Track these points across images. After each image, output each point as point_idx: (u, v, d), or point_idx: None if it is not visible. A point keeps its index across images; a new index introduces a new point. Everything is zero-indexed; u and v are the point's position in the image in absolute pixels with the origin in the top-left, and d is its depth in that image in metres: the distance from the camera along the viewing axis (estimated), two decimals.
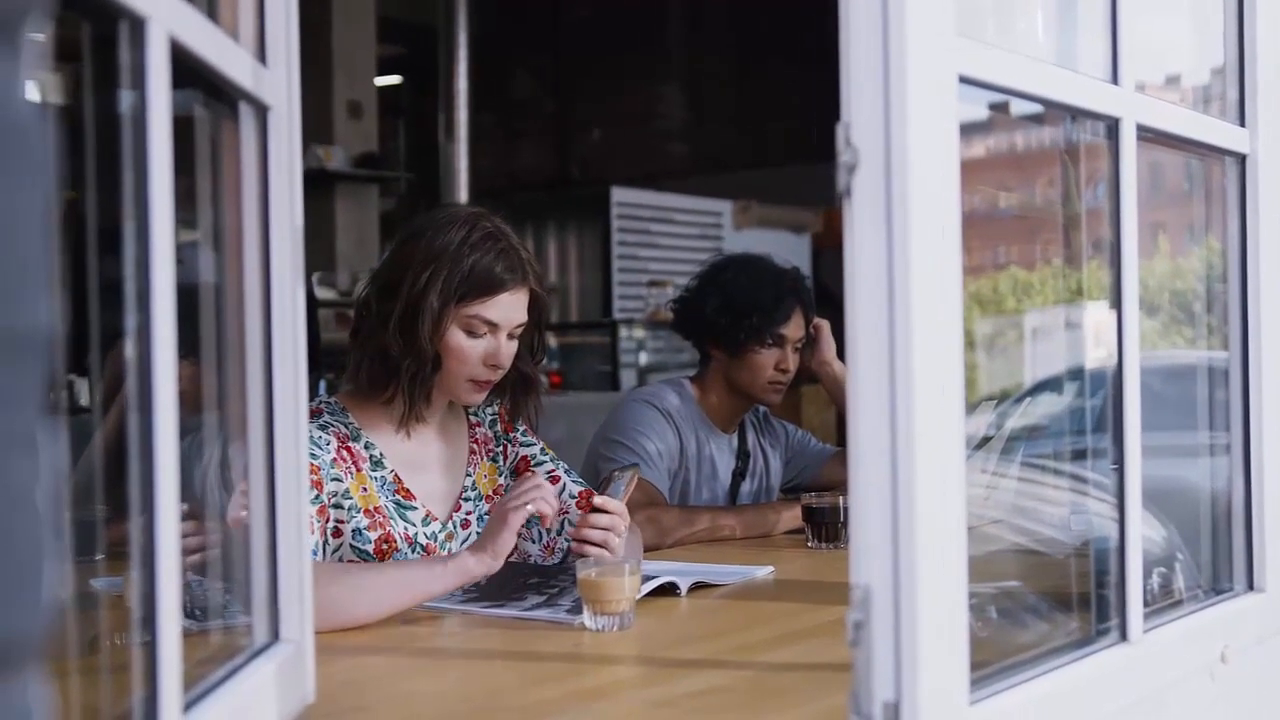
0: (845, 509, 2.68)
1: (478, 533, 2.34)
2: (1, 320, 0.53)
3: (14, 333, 0.53)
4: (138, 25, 1.01)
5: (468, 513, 2.37)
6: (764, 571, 2.39)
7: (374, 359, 2.25)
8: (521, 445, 2.47)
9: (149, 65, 1.02)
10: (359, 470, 2.23)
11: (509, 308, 2.26)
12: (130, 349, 1.03)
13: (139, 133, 1.02)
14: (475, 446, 2.42)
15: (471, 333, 2.24)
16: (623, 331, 7.60)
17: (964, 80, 1.27)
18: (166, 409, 1.03)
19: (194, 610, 1.37)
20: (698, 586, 2.22)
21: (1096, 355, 2.01)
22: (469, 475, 2.39)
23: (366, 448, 2.26)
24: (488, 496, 2.40)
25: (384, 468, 2.27)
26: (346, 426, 2.25)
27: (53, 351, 0.57)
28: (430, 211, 2.36)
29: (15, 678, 0.55)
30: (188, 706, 1.11)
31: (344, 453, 2.21)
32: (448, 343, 2.23)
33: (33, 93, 0.57)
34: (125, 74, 1.03)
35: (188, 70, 1.13)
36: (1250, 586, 1.84)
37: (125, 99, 1.03)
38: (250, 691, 1.27)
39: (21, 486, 0.55)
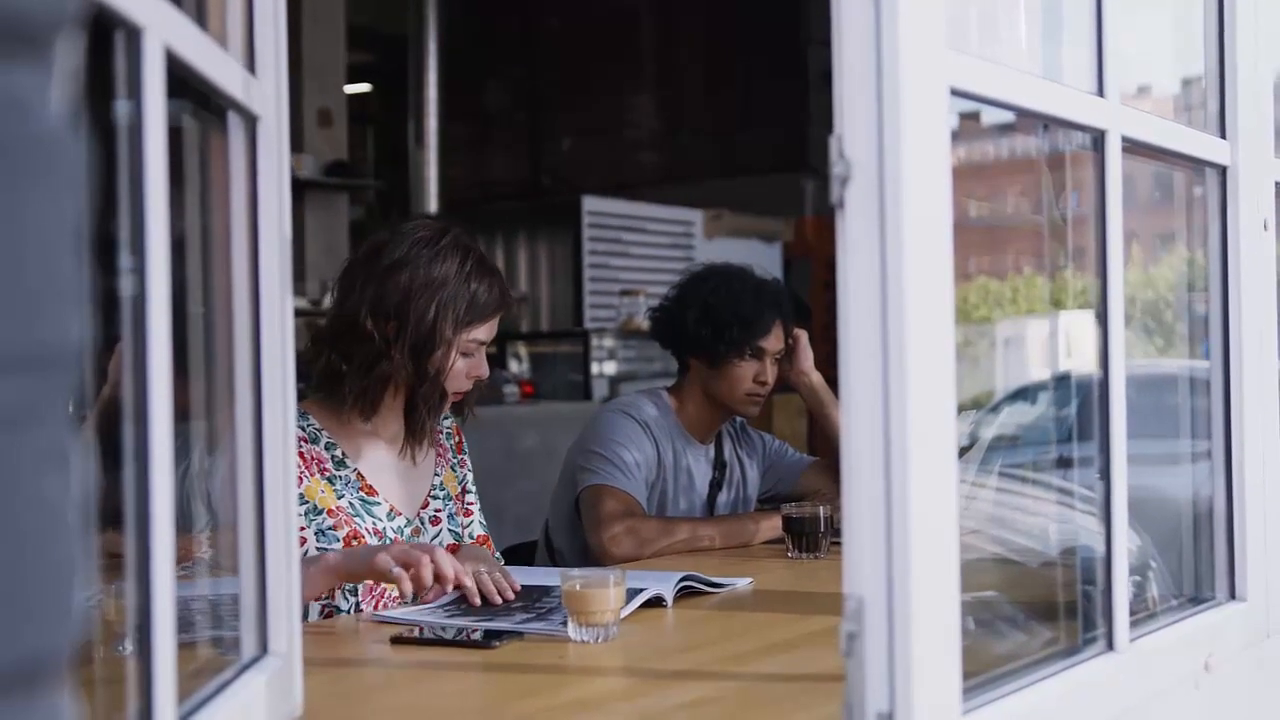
0: (825, 519, 2.69)
1: (449, 529, 2.45)
2: (34, 335, 0.52)
3: (46, 348, 0.53)
4: (134, 35, 1.00)
5: (436, 510, 2.45)
6: (744, 583, 2.39)
7: (379, 384, 2.29)
8: (467, 469, 2.56)
9: (145, 75, 1.01)
10: (313, 474, 2.28)
11: (495, 326, 2.38)
12: (125, 359, 1.02)
13: (135, 142, 1.02)
14: (440, 450, 2.50)
15: (466, 354, 2.34)
16: (594, 341, 7.58)
17: (955, 92, 1.27)
18: (161, 419, 1.03)
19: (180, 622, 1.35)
20: (684, 593, 2.22)
21: (1071, 365, 2.02)
22: (437, 475, 2.47)
23: (327, 449, 2.32)
24: (456, 497, 2.49)
25: (347, 467, 2.32)
26: (304, 429, 2.27)
27: (79, 366, 0.57)
28: (403, 230, 2.37)
29: (50, 692, 0.54)
30: None
31: (297, 457, 2.23)
32: (450, 369, 2.32)
33: (64, 105, 0.56)
34: (120, 83, 1.02)
35: (179, 80, 1.12)
36: (1232, 595, 1.85)
37: (120, 108, 1.03)
38: (240, 705, 1.26)
39: (54, 502, 0.54)
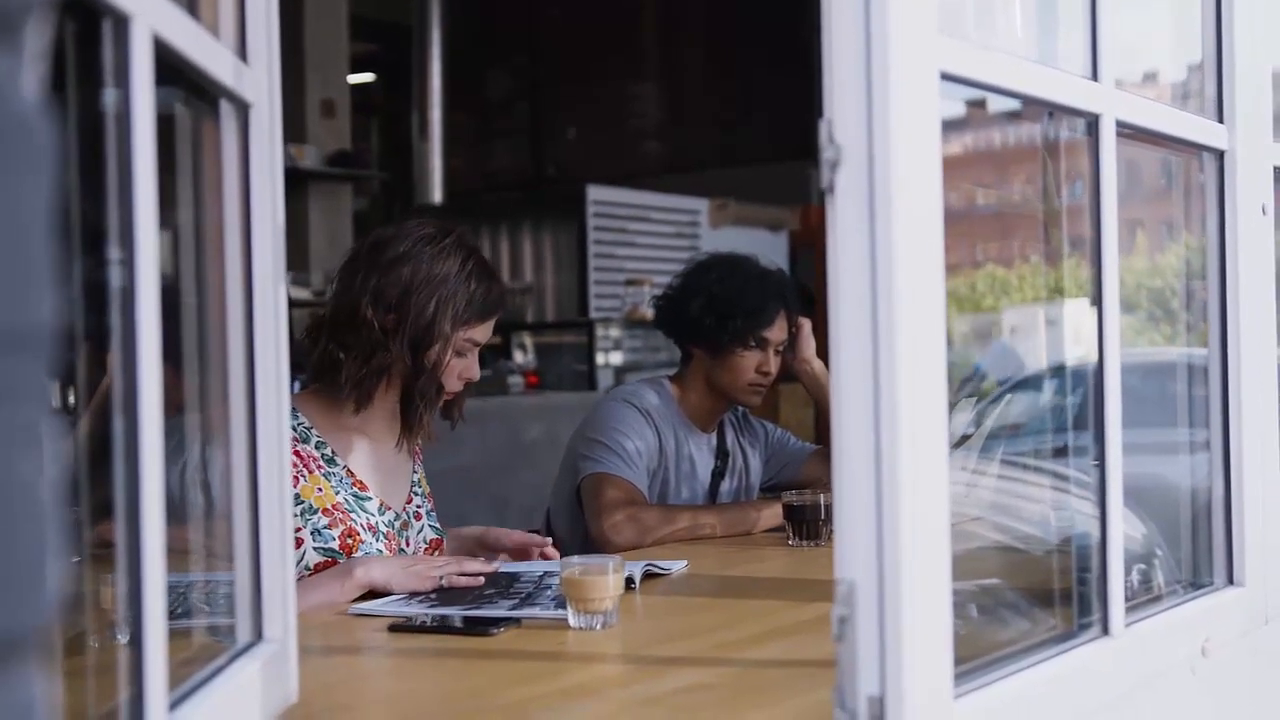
0: (826, 506, 2.69)
1: (430, 525, 2.49)
2: (6, 316, 0.53)
3: (19, 328, 0.53)
4: (121, 23, 1.00)
5: (417, 506, 2.49)
6: (680, 565, 2.42)
7: (375, 375, 2.31)
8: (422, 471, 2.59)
9: (133, 63, 1.01)
10: (311, 472, 2.29)
11: (491, 329, 2.41)
12: (114, 350, 1.02)
13: (123, 130, 1.02)
14: (416, 450, 2.53)
15: (459, 353, 2.36)
16: (599, 331, 7.58)
17: (946, 77, 1.27)
18: (151, 409, 1.03)
19: (174, 610, 1.36)
20: (649, 576, 2.28)
21: (1075, 353, 2.02)
22: (415, 473, 2.51)
23: (317, 447, 2.34)
24: (428, 495, 2.53)
25: (337, 464, 2.34)
26: (294, 429, 2.28)
27: (51, 348, 0.57)
28: (407, 225, 2.40)
29: (20, 672, 0.55)
30: (172, 706, 1.11)
31: (293, 456, 2.24)
32: (447, 365, 2.34)
33: (35, 88, 0.56)
34: (108, 71, 1.02)
35: (169, 67, 1.12)
36: (1230, 581, 1.85)
37: (108, 96, 1.03)
38: (234, 691, 1.27)
39: (26, 481, 0.55)
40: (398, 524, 2.40)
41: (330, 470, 2.32)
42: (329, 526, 2.26)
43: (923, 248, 1.22)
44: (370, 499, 2.35)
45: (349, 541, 2.27)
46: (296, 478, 2.24)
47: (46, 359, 0.56)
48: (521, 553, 2.46)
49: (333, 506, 2.28)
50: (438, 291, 2.30)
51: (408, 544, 2.41)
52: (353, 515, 2.30)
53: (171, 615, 1.15)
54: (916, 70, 1.21)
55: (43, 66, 0.58)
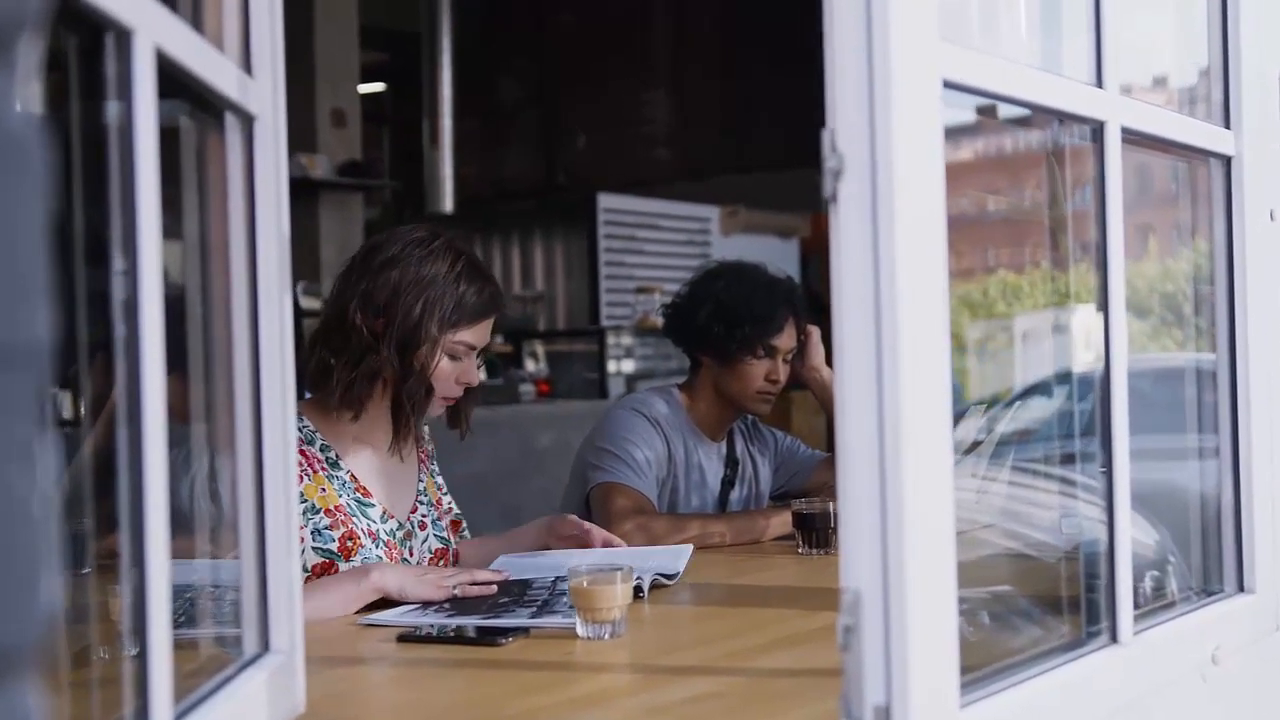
0: (835, 514, 2.68)
1: (434, 535, 2.48)
2: (1, 333, 0.53)
3: (13, 344, 0.53)
4: (124, 36, 1.01)
5: (423, 515, 2.48)
6: (685, 551, 2.45)
7: (366, 379, 2.31)
8: (438, 474, 2.59)
9: (135, 76, 1.02)
10: (315, 473, 2.31)
11: (487, 332, 2.40)
12: (118, 361, 1.03)
13: (125, 143, 1.02)
14: (423, 457, 2.53)
15: (453, 356, 2.35)
16: (610, 339, 7.58)
17: (948, 85, 1.27)
18: (155, 420, 1.03)
19: (179, 619, 1.36)
20: (656, 586, 2.26)
21: (1086, 359, 2.02)
22: (420, 481, 2.50)
23: (322, 450, 2.34)
24: (435, 503, 2.52)
25: (341, 469, 2.35)
26: (300, 431, 2.29)
27: (48, 363, 0.58)
28: (398, 230, 2.41)
29: (14, 686, 0.55)
30: (178, 717, 1.11)
31: (297, 456, 2.25)
32: (435, 367, 2.33)
33: (28, 104, 0.57)
34: (111, 84, 1.03)
35: (173, 80, 1.13)
36: (1240, 588, 1.84)
37: (111, 109, 1.03)
38: (241, 702, 1.27)
39: (19, 496, 0.55)
40: (400, 533, 2.40)
41: (333, 474, 2.32)
42: (330, 527, 2.27)
43: (925, 255, 1.21)
44: (373, 506, 2.36)
45: (348, 545, 2.28)
46: (300, 476, 2.25)
47: (42, 375, 0.56)
48: (580, 541, 2.48)
49: (335, 508, 2.29)
50: (425, 293, 2.30)
51: (411, 554, 2.41)
52: (354, 519, 2.30)
53: (177, 624, 1.15)
54: (918, 78, 1.21)
55: (37, 82, 0.58)
